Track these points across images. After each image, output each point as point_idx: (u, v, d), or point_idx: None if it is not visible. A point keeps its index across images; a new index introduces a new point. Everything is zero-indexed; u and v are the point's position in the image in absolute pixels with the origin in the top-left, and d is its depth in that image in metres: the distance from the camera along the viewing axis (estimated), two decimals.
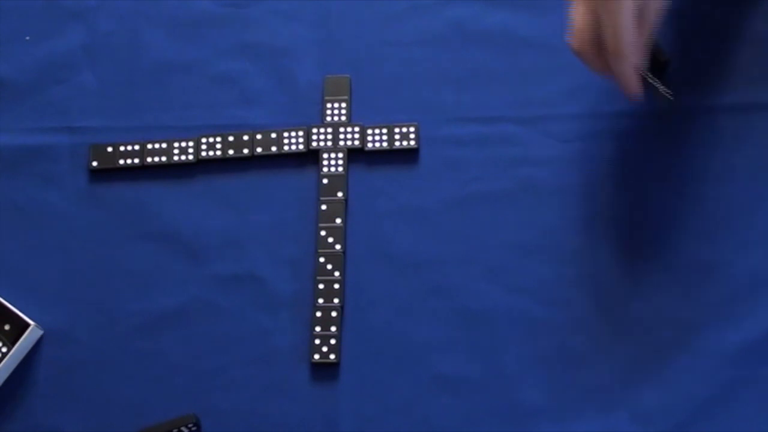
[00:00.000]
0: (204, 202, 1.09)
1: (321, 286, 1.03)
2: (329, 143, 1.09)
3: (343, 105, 1.10)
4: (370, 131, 1.09)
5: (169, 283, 1.06)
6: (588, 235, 1.02)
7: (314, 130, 1.10)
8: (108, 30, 1.18)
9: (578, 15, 0.90)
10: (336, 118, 1.10)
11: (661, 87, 0.94)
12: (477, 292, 1.01)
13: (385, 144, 1.08)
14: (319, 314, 1.02)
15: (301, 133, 1.10)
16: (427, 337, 1.00)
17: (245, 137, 1.10)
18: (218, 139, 1.10)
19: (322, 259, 1.04)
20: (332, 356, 1.00)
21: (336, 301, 1.02)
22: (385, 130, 1.09)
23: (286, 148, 1.09)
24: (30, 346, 1.04)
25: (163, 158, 1.10)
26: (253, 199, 1.08)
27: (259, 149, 1.09)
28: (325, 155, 1.08)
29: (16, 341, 1.02)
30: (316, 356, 1.00)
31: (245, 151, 1.09)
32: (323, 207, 1.06)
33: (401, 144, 1.08)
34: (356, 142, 1.09)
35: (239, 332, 1.03)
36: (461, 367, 0.99)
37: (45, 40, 1.18)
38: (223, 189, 1.09)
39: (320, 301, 1.02)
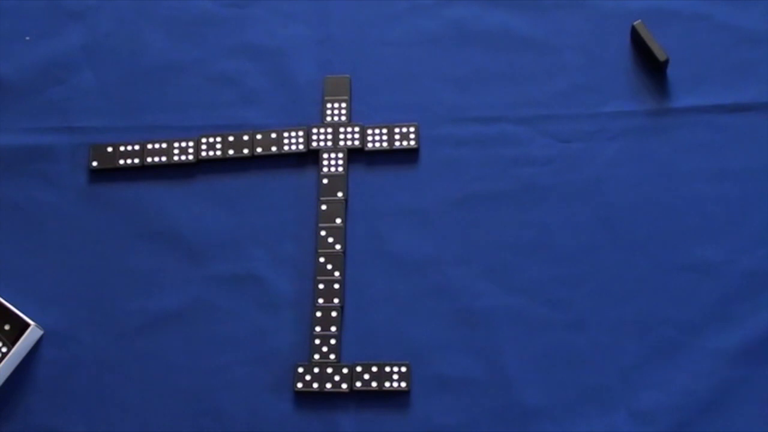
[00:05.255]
0: (204, 202, 1.09)
1: (321, 286, 1.03)
2: (329, 143, 1.09)
3: (343, 105, 1.10)
4: (370, 131, 1.09)
5: (169, 283, 1.06)
6: (588, 235, 1.02)
7: (314, 130, 1.10)
8: (108, 30, 1.18)
9: None
10: (336, 118, 1.10)
11: None
12: (477, 292, 1.01)
13: (385, 144, 1.08)
14: (319, 314, 1.02)
15: (301, 133, 1.10)
16: (427, 337, 1.00)
17: (245, 137, 1.10)
18: (218, 139, 1.10)
19: (322, 259, 1.04)
20: (332, 356, 1.00)
21: (336, 301, 1.02)
22: (385, 130, 1.09)
23: (286, 148, 1.09)
24: (30, 346, 1.04)
25: (163, 158, 1.10)
26: (253, 199, 1.08)
27: (259, 149, 1.09)
28: (325, 155, 1.08)
29: (16, 341, 1.02)
30: (316, 356, 1.00)
31: (245, 151, 1.10)
32: (323, 207, 1.06)
33: (401, 144, 1.08)
34: (356, 142, 1.09)
35: (239, 332, 1.03)
36: (461, 367, 0.99)
37: (45, 40, 1.18)
38: (223, 189, 1.09)
39: (320, 301, 1.02)
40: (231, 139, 1.10)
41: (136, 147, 1.11)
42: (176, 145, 1.11)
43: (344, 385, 0.99)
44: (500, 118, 1.08)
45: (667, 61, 1.04)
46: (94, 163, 1.11)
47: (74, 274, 1.07)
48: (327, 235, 1.05)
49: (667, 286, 0.99)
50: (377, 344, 1.01)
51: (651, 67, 1.07)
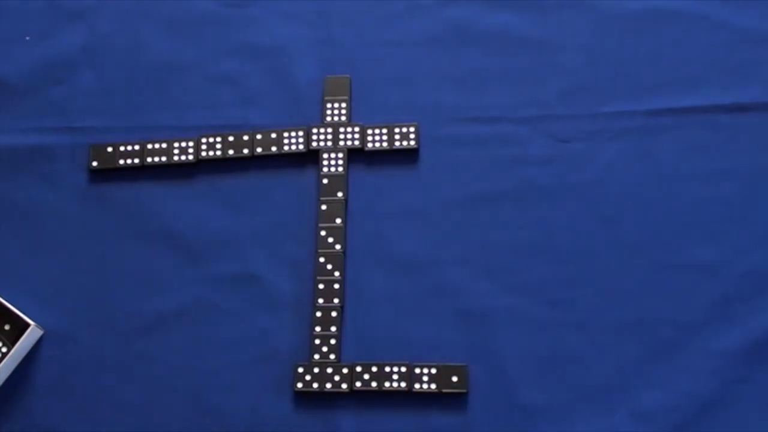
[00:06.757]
0: (204, 202, 1.09)
1: (321, 286, 1.03)
2: (329, 143, 1.09)
3: (343, 105, 1.10)
4: (370, 131, 1.09)
5: (169, 283, 1.06)
6: (588, 235, 1.02)
7: (314, 130, 1.10)
8: (108, 30, 1.18)
9: None
10: (336, 118, 1.10)
11: None
12: (477, 292, 1.01)
13: (385, 144, 1.08)
14: (319, 314, 1.02)
15: (301, 133, 1.10)
16: (427, 337, 1.00)
17: (245, 137, 1.10)
18: (218, 139, 1.10)
19: (322, 259, 1.04)
20: (332, 356, 1.00)
21: (336, 301, 1.02)
22: (385, 130, 1.09)
23: (286, 148, 1.09)
24: (30, 346, 1.04)
25: (163, 158, 1.10)
26: (253, 199, 1.08)
27: (259, 149, 1.09)
28: (325, 155, 1.08)
29: (16, 341, 1.02)
30: (316, 356, 1.00)
31: (245, 151, 1.10)
32: (323, 207, 1.06)
33: (401, 144, 1.08)
34: (356, 142, 1.09)
35: (239, 332, 1.03)
36: None
37: (45, 40, 1.18)
38: (223, 189, 1.09)
39: (320, 301, 1.02)
40: (231, 139, 1.10)
41: (136, 147, 1.11)
42: (176, 145, 1.11)
43: (344, 385, 0.99)
44: (500, 118, 1.08)
45: None
46: (94, 163, 1.11)
47: (74, 274, 1.07)
48: (327, 235, 1.05)
49: (667, 286, 0.99)
50: (377, 344, 1.01)
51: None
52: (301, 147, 1.09)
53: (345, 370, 0.99)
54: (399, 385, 0.98)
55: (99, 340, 1.04)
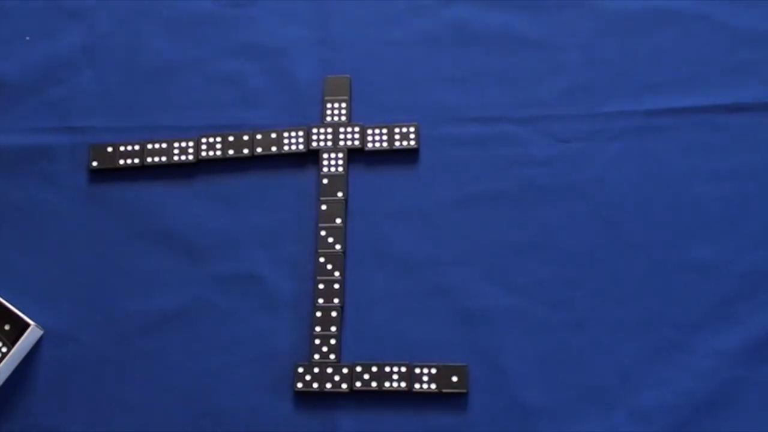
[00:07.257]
0: (204, 202, 1.09)
1: (321, 286, 1.03)
2: (329, 143, 1.09)
3: (343, 105, 1.10)
4: (370, 131, 1.09)
5: (169, 283, 1.06)
6: (588, 235, 1.02)
7: (314, 130, 1.10)
8: (108, 30, 1.18)
9: None
10: (336, 118, 1.10)
11: None
12: (477, 292, 1.01)
13: (385, 144, 1.08)
14: (319, 314, 1.02)
15: (301, 133, 1.10)
16: (427, 337, 1.00)
17: (245, 137, 1.10)
18: (218, 139, 1.10)
19: (322, 259, 1.04)
20: (332, 356, 1.00)
21: (336, 301, 1.02)
22: (385, 130, 1.09)
23: (286, 148, 1.09)
24: (30, 346, 1.04)
25: (163, 158, 1.10)
26: (253, 199, 1.08)
27: (259, 149, 1.09)
28: (325, 155, 1.08)
29: (16, 341, 1.02)
30: (316, 356, 1.00)
31: (245, 151, 1.10)
32: (323, 207, 1.06)
33: (401, 144, 1.08)
34: (356, 142, 1.09)
35: (239, 332, 1.03)
36: None
37: (45, 40, 1.18)
38: (223, 189, 1.09)
39: (320, 301, 1.02)
40: (231, 139, 1.10)
41: (136, 147, 1.11)
42: (176, 145, 1.11)
43: (344, 385, 0.99)
44: (500, 118, 1.08)
45: None
46: (94, 163, 1.11)
47: (74, 274, 1.07)
48: (327, 235, 1.05)
49: (667, 286, 0.99)
50: (377, 344, 1.01)
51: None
52: (301, 147, 1.09)
53: (345, 370, 0.99)
54: (399, 385, 0.98)
55: (99, 340, 1.04)
